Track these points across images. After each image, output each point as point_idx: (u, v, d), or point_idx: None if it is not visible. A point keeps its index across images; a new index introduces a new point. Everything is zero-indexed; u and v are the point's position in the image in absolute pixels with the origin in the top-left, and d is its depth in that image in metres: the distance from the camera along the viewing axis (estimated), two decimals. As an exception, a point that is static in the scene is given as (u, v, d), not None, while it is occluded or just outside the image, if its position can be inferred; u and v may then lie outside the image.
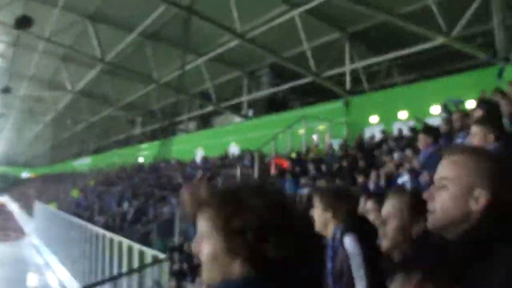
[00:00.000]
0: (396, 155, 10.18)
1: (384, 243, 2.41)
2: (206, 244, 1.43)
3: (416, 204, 2.35)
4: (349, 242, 3.31)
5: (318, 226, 3.47)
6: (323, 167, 13.25)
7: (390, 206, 2.45)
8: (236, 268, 1.39)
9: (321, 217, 3.45)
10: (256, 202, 1.39)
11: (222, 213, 1.41)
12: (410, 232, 2.35)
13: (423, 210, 2.30)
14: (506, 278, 1.46)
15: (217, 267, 1.42)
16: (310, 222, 3.05)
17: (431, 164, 5.39)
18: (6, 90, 34.38)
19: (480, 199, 1.63)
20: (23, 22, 22.49)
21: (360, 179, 10.00)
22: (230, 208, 1.40)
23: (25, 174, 70.92)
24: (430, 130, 6.63)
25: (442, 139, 6.98)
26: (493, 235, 1.56)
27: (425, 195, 1.78)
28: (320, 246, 3.38)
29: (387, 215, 2.43)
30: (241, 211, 1.39)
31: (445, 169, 1.72)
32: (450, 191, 1.67)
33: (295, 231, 1.42)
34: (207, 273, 1.45)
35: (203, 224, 1.45)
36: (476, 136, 4.53)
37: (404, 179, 8.15)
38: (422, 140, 6.54)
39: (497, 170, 1.64)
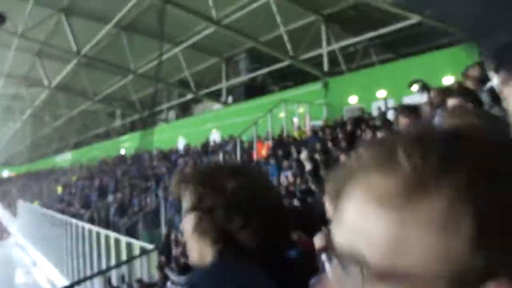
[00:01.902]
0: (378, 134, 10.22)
1: None
2: (186, 222, 1.46)
3: None
4: None
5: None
6: (304, 149, 13.34)
7: None
8: (208, 249, 1.42)
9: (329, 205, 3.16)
10: (229, 182, 1.42)
11: (197, 191, 1.44)
12: None
13: None
14: None
15: (194, 246, 1.45)
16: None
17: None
18: (-18, 89, 34.03)
19: None
20: (-4, 19, 22.21)
21: (342, 158, 10.07)
22: (204, 187, 1.44)
23: (5, 173, 70.15)
24: (407, 112, 6.47)
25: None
26: None
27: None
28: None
29: None
30: (213, 190, 1.42)
31: None
32: None
33: (266, 215, 1.42)
34: (190, 252, 1.48)
35: (185, 203, 1.47)
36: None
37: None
38: (402, 123, 6.37)
39: None
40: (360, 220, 0.59)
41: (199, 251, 1.44)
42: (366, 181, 0.60)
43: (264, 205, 1.43)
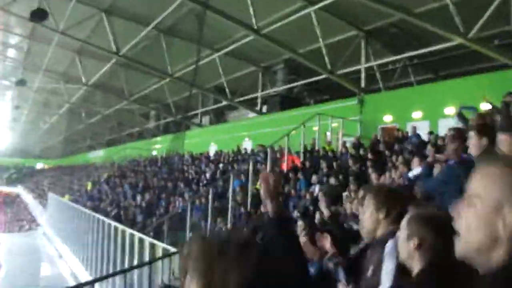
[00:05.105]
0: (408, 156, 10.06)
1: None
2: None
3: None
4: (390, 245, 2.92)
5: (367, 226, 3.19)
6: (335, 165, 13.21)
7: None
8: None
9: (372, 217, 3.15)
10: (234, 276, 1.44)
11: (200, 277, 1.47)
12: None
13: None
14: None
15: None
16: None
17: (451, 176, 5.33)
18: (21, 83, 34.70)
19: (508, 220, 1.31)
20: (38, 15, 22.72)
21: (374, 179, 9.90)
22: (207, 276, 1.47)
23: (39, 165, 71.39)
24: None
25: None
26: None
27: (452, 212, 1.48)
28: None
29: None
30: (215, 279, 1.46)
31: (474, 183, 1.42)
32: (477, 209, 1.38)
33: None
34: None
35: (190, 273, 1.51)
36: (471, 139, 4.48)
37: (416, 172, 8.09)
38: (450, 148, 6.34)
39: None
40: None
41: None
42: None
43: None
